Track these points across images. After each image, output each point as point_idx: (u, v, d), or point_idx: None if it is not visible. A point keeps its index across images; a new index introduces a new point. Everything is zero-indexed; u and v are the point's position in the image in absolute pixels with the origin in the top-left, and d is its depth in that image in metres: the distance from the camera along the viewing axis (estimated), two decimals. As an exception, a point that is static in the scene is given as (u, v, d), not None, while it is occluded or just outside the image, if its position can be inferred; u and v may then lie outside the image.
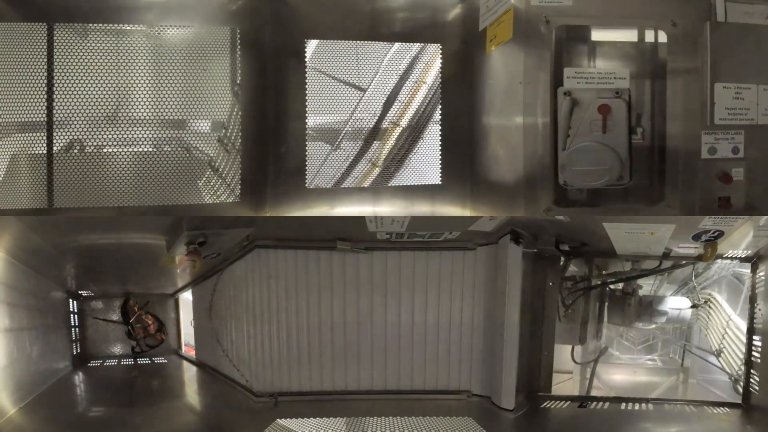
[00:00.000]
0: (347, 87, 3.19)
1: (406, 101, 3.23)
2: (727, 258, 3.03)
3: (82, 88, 2.54)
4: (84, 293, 3.74)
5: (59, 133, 2.54)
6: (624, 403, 3.11)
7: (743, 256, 2.98)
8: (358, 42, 3.09)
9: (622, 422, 3.00)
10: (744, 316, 3.01)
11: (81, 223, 2.72)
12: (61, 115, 2.52)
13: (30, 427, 2.71)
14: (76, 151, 2.65)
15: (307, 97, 2.92)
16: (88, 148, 2.64)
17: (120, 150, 2.65)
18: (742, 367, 2.96)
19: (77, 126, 2.56)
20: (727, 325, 3.17)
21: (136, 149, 2.67)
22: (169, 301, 3.83)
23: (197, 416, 3.21)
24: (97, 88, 2.56)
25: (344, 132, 3.23)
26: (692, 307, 3.36)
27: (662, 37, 2.55)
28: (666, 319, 3.34)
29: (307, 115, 2.93)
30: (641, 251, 2.95)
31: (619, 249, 2.90)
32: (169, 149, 2.79)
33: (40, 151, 2.52)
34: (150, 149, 2.72)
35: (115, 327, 3.74)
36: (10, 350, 2.78)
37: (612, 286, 3.36)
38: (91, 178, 2.58)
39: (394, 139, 3.25)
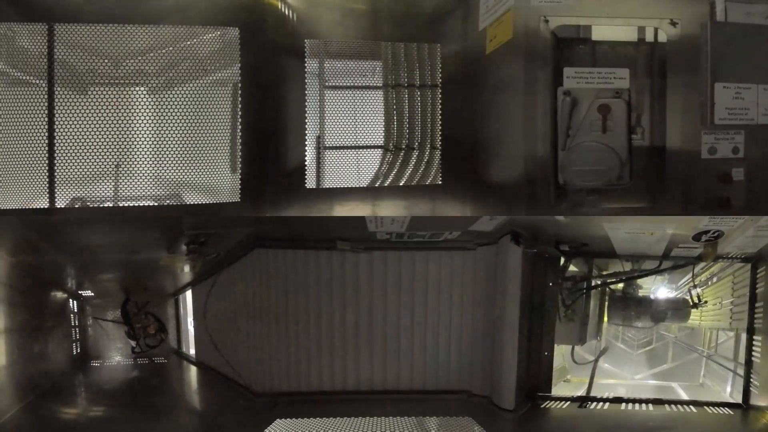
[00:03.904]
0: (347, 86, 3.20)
1: (406, 100, 3.23)
2: (727, 258, 3.03)
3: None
4: (84, 293, 3.74)
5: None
6: (624, 404, 3.10)
7: (743, 256, 2.99)
8: (357, 42, 3.09)
9: (622, 423, 2.99)
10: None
11: (81, 223, 2.72)
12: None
13: (30, 427, 2.72)
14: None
15: (307, 97, 2.92)
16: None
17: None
18: None
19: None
20: None
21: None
22: (169, 301, 3.82)
23: (197, 416, 3.21)
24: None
25: (344, 131, 3.23)
26: (692, 306, 3.36)
27: (662, 37, 2.55)
28: (666, 319, 3.35)
29: (306, 115, 2.93)
30: (641, 251, 2.95)
31: (619, 249, 2.90)
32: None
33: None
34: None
35: (115, 327, 3.74)
36: (10, 350, 2.78)
37: (612, 286, 3.36)
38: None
39: (394, 138, 3.25)
